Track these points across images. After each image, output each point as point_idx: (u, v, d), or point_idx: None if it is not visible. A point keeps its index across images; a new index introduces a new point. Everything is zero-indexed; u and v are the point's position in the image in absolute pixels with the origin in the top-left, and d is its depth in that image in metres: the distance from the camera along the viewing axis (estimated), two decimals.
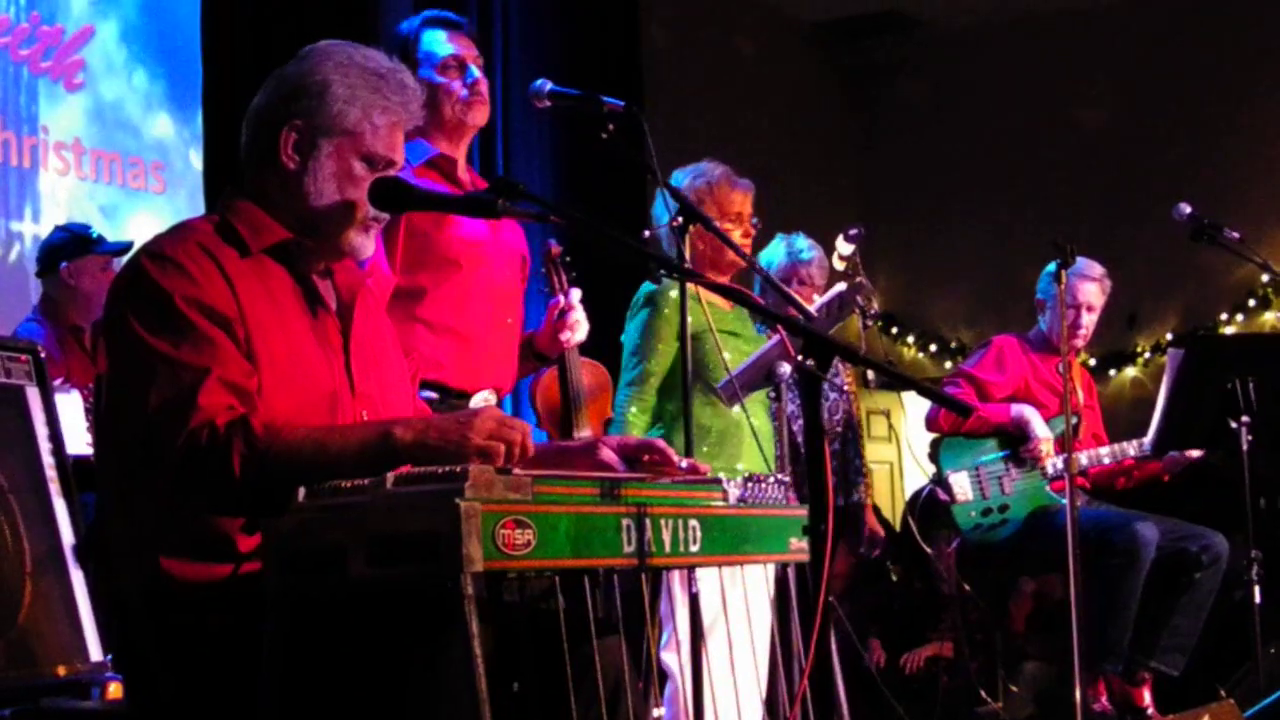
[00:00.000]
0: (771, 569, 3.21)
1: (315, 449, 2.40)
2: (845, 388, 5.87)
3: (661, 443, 2.80)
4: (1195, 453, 5.80)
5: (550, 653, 2.41)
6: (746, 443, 4.64)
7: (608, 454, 2.77)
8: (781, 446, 4.55)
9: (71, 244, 5.46)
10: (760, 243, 5.51)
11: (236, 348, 2.53)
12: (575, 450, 2.85)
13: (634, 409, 4.60)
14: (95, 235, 5.51)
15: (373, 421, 2.60)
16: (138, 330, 2.50)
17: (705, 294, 4.33)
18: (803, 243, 5.70)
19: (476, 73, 4.01)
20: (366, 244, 2.77)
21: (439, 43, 4.01)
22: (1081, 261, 5.80)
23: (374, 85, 2.72)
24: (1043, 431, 5.73)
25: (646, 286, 4.76)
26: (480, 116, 4.05)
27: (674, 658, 4.25)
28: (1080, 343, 6.00)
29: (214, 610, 2.47)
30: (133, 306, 2.54)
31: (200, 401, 2.42)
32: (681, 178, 4.69)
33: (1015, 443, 5.81)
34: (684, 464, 2.80)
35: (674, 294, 4.63)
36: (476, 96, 4.01)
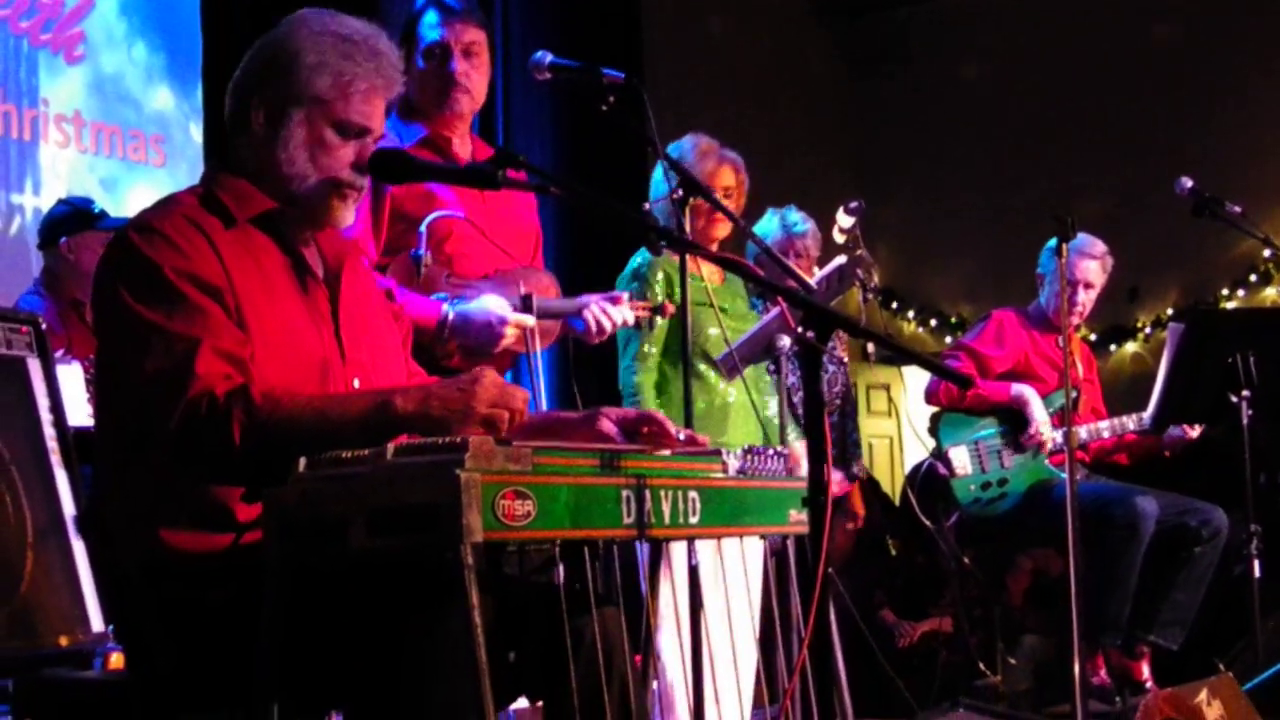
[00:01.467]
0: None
1: (316, 419, 2.40)
2: (844, 360, 5.88)
3: (660, 414, 2.80)
4: (1194, 433, 5.81)
5: (549, 624, 2.42)
6: (732, 419, 4.65)
7: (607, 425, 2.77)
8: (781, 419, 4.55)
9: (72, 218, 5.41)
10: (753, 217, 5.51)
11: (228, 317, 2.52)
12: (574, 421, 2.85)
13: (645, 382, 4.63)
14: (97, 210, 5.44)
15: (373, 391, 2.58)
16: (129, 302, 2.50)
17: (699, 268, 4.32)
18: (795, 215, 5.70)
19: (456, 64, 3.97)
20: (345, 214, 2.75)
21: (429, 26, 3.99)
22: (1084, 238, 5.80)
23: (345, 52, 2.69)
24: (1041, 415, 5.73)
25: (634, 260, 4.76)
26: (461, 105, 4.01)
27: (664, 638, 4.22)
28: (1077, 319, 6.00)
29: (213, 581, 2.47)
30: (123, 279, 2.53)
31: (198, 370, 2.42)
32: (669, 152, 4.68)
33: (1015, 420, 5.81)
34: (682, 435, 2.80)
35: (662, 267, 4.63)
36: (454, 86, 3.98)
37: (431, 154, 3.94)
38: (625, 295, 4.18)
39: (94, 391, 3.57)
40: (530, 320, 3.82)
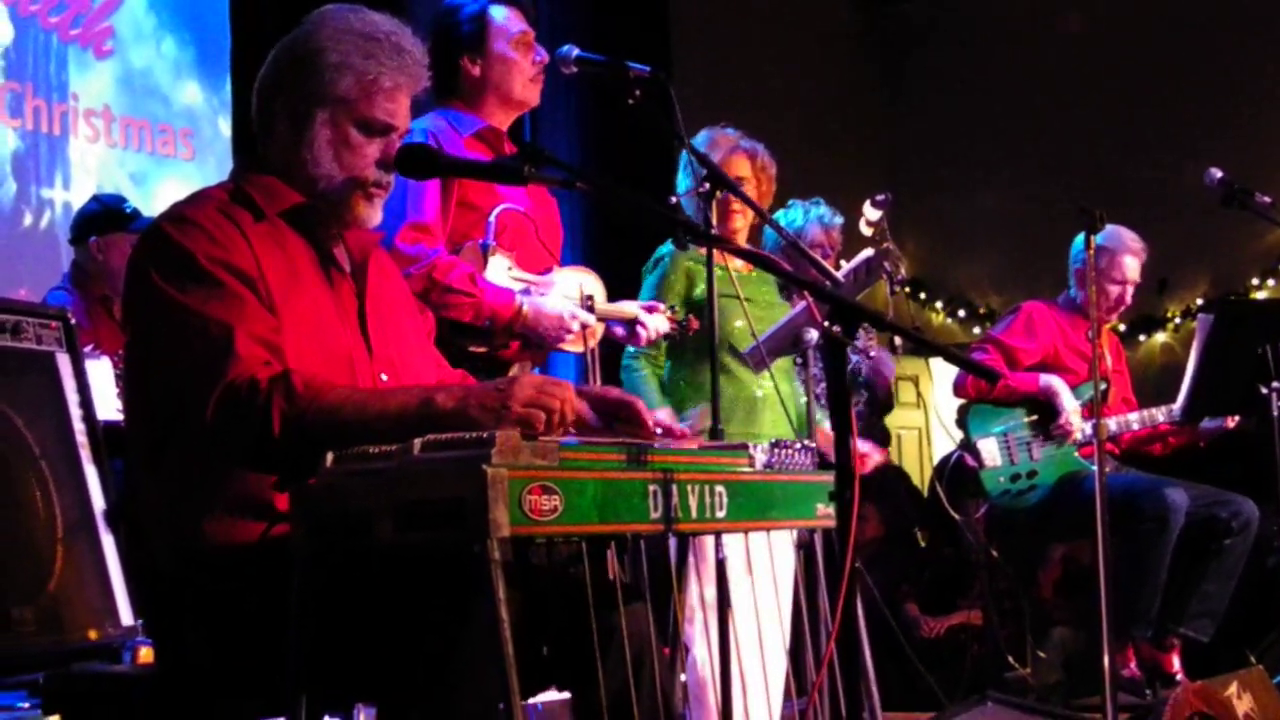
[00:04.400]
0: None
1: (355, 411, 2.39)
2: (871, 352, 5.86)
3: (637, 401, 2.74)
4: (1232, 422, 5.79)
5: (576, 618, 2.42)
6: (766, 411, 4.64)
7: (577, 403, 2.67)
8: (809, 413, 4.54)
9: (104, 218, 5.37)
10: (776, 208, 5.49)
11: (261, 305, 2.53)
12: None
13: (645, 366, 4.63)
14: (130, 210, 5.40)
15: (414, 387, 2.57)
16: (164, 288, 2.50)
17: (725, 260, 4.31)
18: (825, 209, 5.69)
19: (543, 53, 4.03)
20: (372, 213, 2.75)
21: (512, 19, 4.03)
22: (1124, 234, 5.81)
23: (367, 50, 2.69)
24: (1071, 405, 5.71)
25: (659, 251, 4.75)
26: (538, 97, 4.10)
27: (692, 629, 4.23)
28: (1114, 316, 6.02)
29: (247, 572, 2.47)
30: (157, 267, 2.53)
31: (240, 351, 2.42)
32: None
33: (1044, 411, 5.79)
34: (660, 429, 2.74)
35: (683, 259, 4.63)
36: (540, 77, 4.05)
37: (485, 147, 3.97)
38: (662, 306, 4.21)
39: (125, 384, 3.59)
40: (593, 319, 3.86)
